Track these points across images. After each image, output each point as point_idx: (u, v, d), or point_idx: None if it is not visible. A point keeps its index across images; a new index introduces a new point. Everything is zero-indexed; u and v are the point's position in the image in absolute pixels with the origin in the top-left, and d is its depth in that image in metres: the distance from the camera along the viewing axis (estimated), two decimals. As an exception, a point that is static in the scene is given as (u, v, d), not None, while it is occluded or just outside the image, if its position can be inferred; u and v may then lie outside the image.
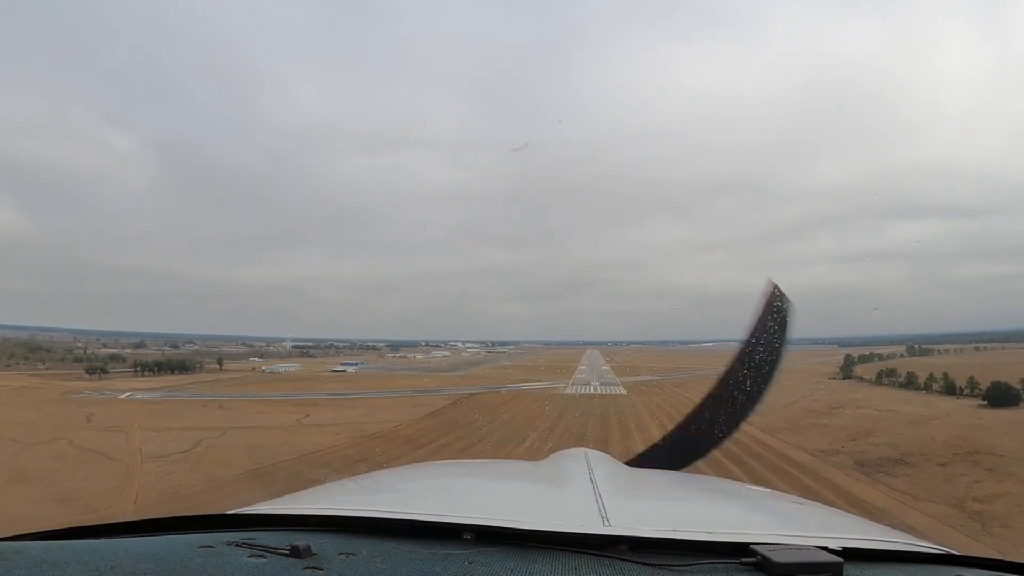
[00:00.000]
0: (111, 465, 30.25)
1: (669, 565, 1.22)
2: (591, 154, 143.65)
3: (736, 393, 3.88)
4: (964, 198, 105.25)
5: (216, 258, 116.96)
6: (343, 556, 1.22)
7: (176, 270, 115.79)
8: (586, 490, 1.95)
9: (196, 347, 75.11)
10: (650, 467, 3.73)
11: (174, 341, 77.22)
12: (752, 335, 3.91)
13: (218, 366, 62.20)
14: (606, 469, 2.56)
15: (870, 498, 24.21)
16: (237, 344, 79.84)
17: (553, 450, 3.42)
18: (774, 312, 3.91)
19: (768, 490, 3.05)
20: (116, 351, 68.58)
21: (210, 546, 1.26)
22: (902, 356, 64.92)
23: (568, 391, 51.68)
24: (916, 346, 68.74)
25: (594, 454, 2.88)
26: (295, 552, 1.19)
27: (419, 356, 77.76)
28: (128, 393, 47.75)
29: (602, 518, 1.53)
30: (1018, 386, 41.34)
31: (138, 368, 57.97)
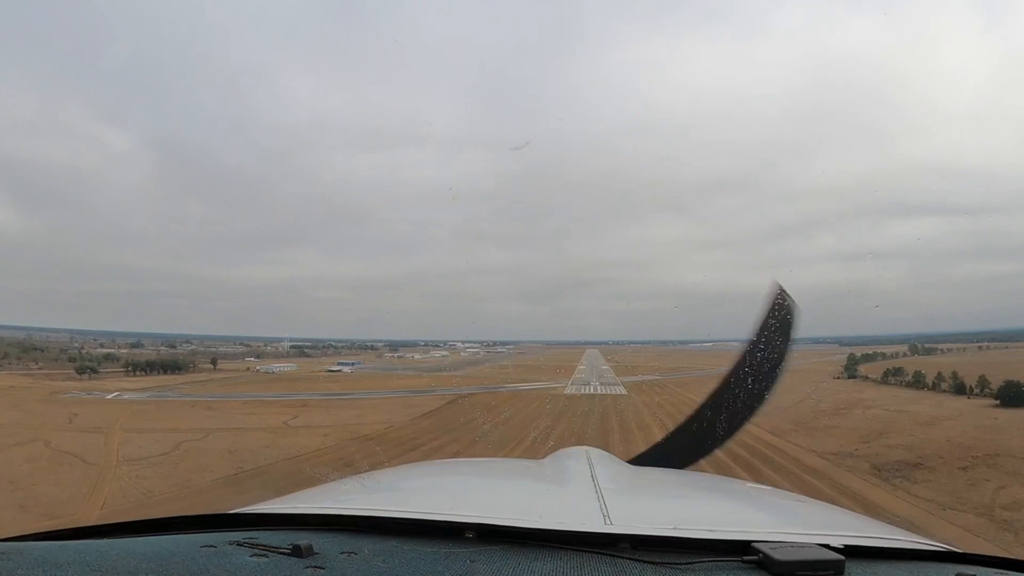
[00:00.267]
0: (84, 468, 28.26)
1: (671, 563, 1.20)
2: (591, 152, 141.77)
3: (739, 393, 3.81)
4: (966, 196, 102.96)
5: (214, 257, 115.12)
6: (345, 555, 1.21)
7: (174, 270, 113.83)
8: (588, 488, 1.94)
9: (193, 347, 73.74)
10: (652, 465, 3.62)
11: (171, 341, 75.85)
12: (757, 336, 3.83)
13: (212, 366, 60.17)
14: (607, 467, 2.53)
15: (892, 506, 22.00)
16: (235, 344, 78.62)
17: (551, 453, 3.24)
18: (778, 313, 3.85)
19: (770, 488, 2.99)
20: (112, 351, 67.09)
21: (212, 546, 1.25)
22: (905, 355, 63.76)
23: (567, 391, 50.16)
24: (919, 345, 67.26)
25: (595, 452, 2.84)
26: (297, 551, 1.18)
27: (417, 356, 76.25)
28: (116, 393, 45.78)
29: (604, 516, 1.51)
30: (1031, 385, 39.55)
31: (130, 368, 55.97)
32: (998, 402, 40.51)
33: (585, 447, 3.00)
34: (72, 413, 39.34)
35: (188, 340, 77.63)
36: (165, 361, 58.66)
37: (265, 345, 77.96)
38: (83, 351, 65.64)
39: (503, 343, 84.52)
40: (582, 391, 50.03)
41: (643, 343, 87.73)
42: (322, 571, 1.11)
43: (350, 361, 66.17)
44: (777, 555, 1.18)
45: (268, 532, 1.41)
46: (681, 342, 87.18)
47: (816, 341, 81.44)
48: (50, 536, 1.43)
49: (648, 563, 1.20)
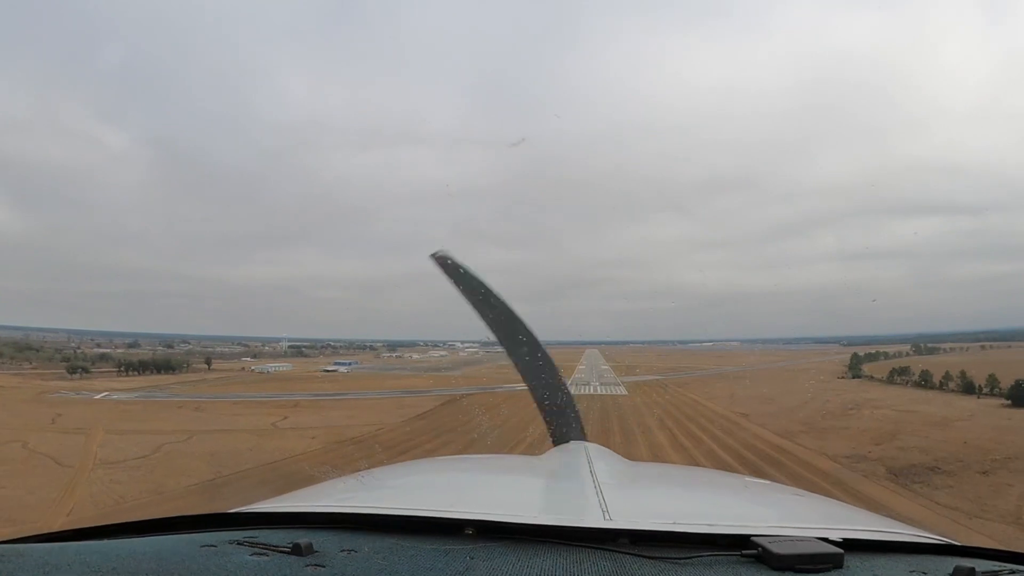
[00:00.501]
0: (58, 471, 26.48)
1: (670, 558, 1.19)
2: (590, 151, 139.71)
3: (531, 358, 3.79)
4: (967, 195, 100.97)
5: (213, 257, 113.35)
6: (345, 553, 1.20)
7: (173, 270, 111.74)
8: (587, 484, 1.92)
9: (191, 347, 72.21)
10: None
11: (169, 341, 74.32)
12: (476, 307, 3.81)
13: (206, 366, 58.37)
14: (606, 463, 2.50)
15: (915, 515, 20.03)
16: (233, 344, 77.19)
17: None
18: (459, 277, 3.80)
19: (768, 482, 2.93)
20: (108, 351, 65.48)
21: (212, 545, 1.23)
22: (908, 354, 62.31)
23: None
24: (922, 344, 65.70)
25: (594, 448, 2.81)
26: (297, 550, 1.17)
27: (416, 356, 74.75)
28: (104, 393, 44.00)
29: (603, 512, 1.49)
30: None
31: (122, 368, 54.12)
32: (1009, 402, 39.44)
33: (583, 442, 2.96)
34: (56, 413, 37.61)
35: (186, 340, 76.25)
36: (158, 361, 56.78)
37: (263, 345, 76.70)
38: (79, 351, 64.07)
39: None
40: (582, 391, 48.43)
41: (643, 343, 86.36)
42: (322, 569, 1.10)
43: (347, 361, 64.52)
44: (776, 549, 1.16)
45: (268, 531, 1.39)
46: (681, 342, 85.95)
47: (818, 341, 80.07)
48: (50, 538, 1.39)
49: (647, 558, 1.19)
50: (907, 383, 47.68)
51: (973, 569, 1.14)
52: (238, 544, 1.23)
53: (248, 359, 67.18)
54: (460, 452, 27.09)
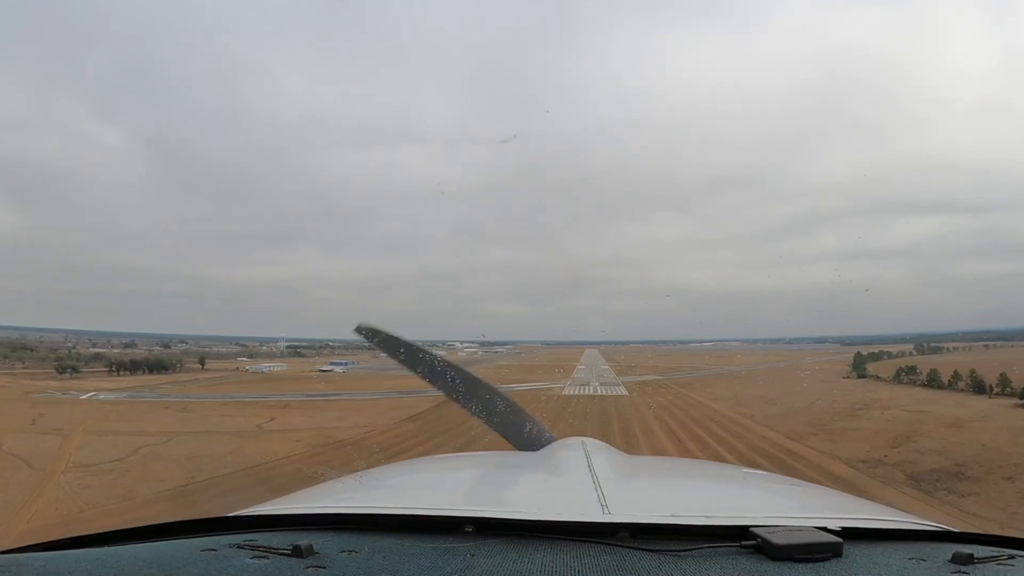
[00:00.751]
0: (27, 475, 24.62)
1: (670, 550, 1.18)
2: (589, 149, 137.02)
3: (465, 388, 3.78)
4: (968, 194, 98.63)
5: (211, 257, 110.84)
6: (345, 554, 1.19)
7: (171, 269, 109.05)
8: (585, 479, 1.88)
9: (187, 347, 70.45)
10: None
11: (166, 341, 72.60)
12: (407, 366, 3.84)
13: (200, 365, 56.45)
14: (604, 457, 2.40)
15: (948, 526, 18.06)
16: (231, 344, 75.45)
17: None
18: (383, 343, 3.86)
19: (766, 473, 2.89)
20: (104, 351, 63.68)
21: (212, 549, 1.21)
22: (911, 354, 60.17)
23: (566, 392, 46.59)
24: (925, 344, 63.81)
25: (591, 442, 2.73)
26: (297, 552, 1.15)
27: (414, 356, 72.45)
28: (92, 393, 42.10)
29: (602, 506, 1.47)
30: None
31: (113, 367, 52.20)
32: (1022, 402, 37.46)
33: (581, 437, 2.87)
34: (39, 414, 35.74)
35: (184, 340, 74.52)
36: (151, 360, 54.84)
37: (261, 345, 74.91)
38: (74, 351, 62.27)
39: (501, 343, 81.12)
40: (582, 392, 46.85)
41: (643, 343, 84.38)
42: (323, 570, 1.08)
43: (343, 361, 62.47)
44: (775, 539, 1.15)
45: (268, 533, 1.37)
46: (681, 341, 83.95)
47: (818, 341, 78.11)
48: (50, 547, 1.35)
49: (647, 551, 1.18)
50: (914, 383, 45.75)
51: (972, 555, 1.14)
52: (239, 547, 1.20)
53: (244, 359, 65.33)
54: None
